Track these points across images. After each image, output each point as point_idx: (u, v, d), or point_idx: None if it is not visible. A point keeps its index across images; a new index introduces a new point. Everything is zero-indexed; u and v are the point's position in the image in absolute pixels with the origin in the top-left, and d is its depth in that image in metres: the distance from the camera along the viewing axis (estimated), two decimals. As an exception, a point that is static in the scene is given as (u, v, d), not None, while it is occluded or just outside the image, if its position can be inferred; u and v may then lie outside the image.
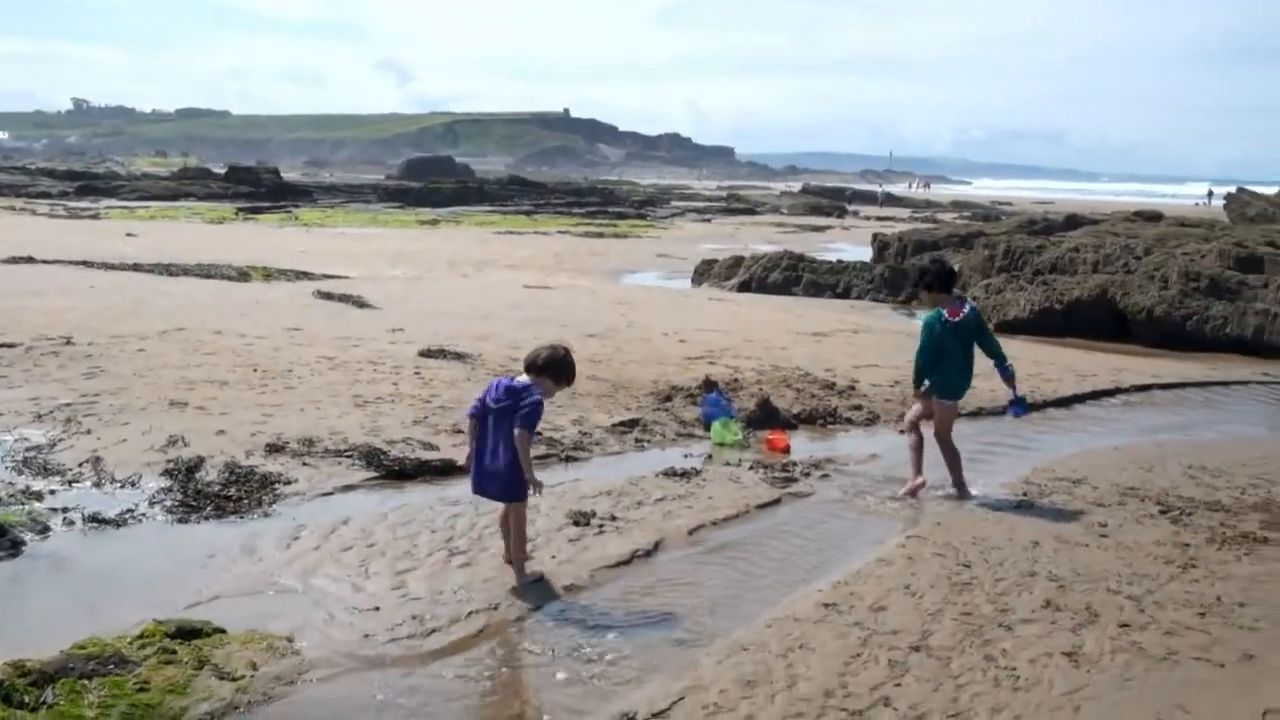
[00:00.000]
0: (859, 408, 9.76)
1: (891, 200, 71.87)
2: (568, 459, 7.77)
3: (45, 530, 5.73)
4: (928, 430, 7.32)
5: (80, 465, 6.84)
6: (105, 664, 4.19)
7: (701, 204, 64.19)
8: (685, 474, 7.41)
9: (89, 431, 7.56)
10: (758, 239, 35.36)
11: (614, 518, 6.39)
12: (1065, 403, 10.77)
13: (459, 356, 11.01)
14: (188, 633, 4.50)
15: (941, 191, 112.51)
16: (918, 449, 7.32)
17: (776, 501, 6.99)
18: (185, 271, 18.13)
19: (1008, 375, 7.34)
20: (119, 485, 6.56)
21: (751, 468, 7.72)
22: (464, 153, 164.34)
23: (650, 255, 28.62)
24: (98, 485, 6.54)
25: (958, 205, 69.06)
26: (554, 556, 5.76)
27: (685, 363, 11.45)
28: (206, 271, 18.28)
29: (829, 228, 44.21)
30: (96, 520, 5.90)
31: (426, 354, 11.01)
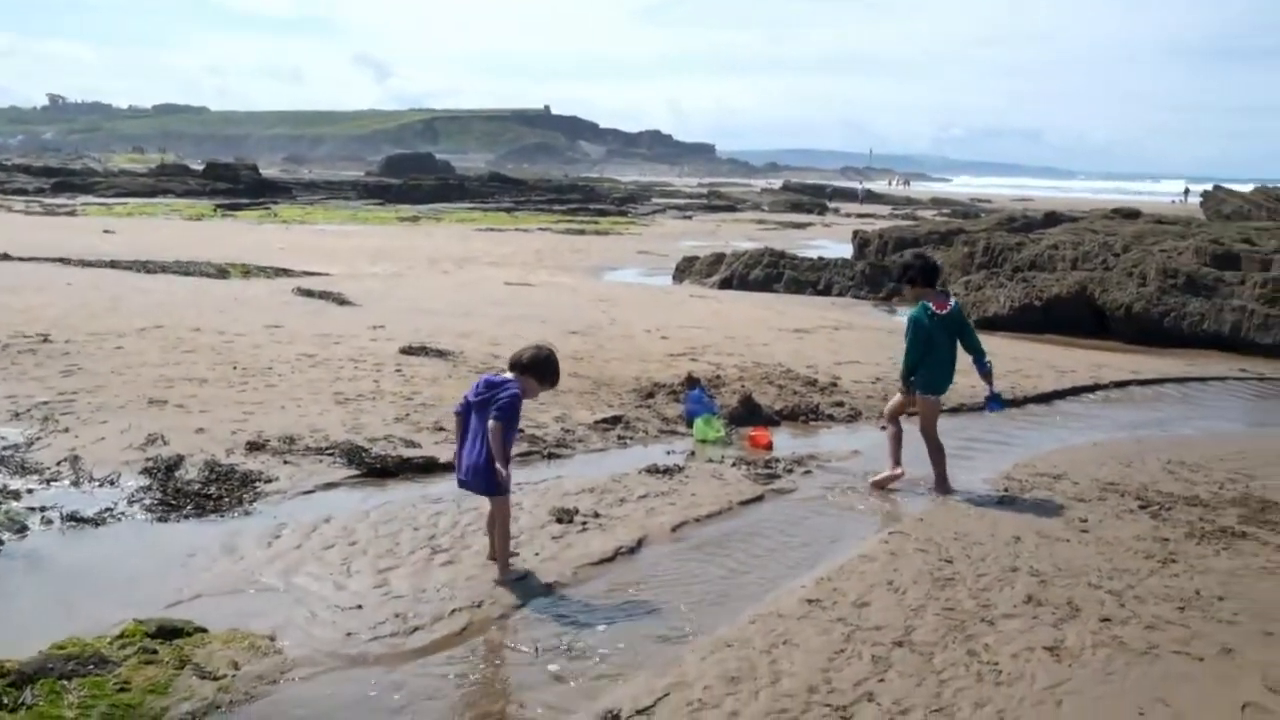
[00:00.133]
0: (841, 404, 9.79)
1: (872, 197, 72.17)
2: (550, 456, 7.74)
3: (23, 529, 5.66)
4: (909, 424, 7.33)
5: (58, 464, 6.77)
6: (85, 664, 4.15)
7: (682, 201, 64.22)
8: (668, 471, 7.41)
9: (67, 430, 7.48)
10: (739, 236, 35.42)
11: (597, 515, 6.38)
12: (1045, 399, 10.84)
13: (440, 354, 10.97)
14: (168, 632, 4.45)
15: (921, 189, 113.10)
16: (897, 439, 7.33)
17: (759, 498, 6.99)
18: (163, 268, 17.99)
19: (985, 371, 7.33)
20: (98, 484, 6.49)
21: (734, 464, 7.72)
22: (444, 149, 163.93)
23: (631, 252, 28.60)
24: (76, 484, 6.47)
25: (938, 202, 69.31)
26: (537, 554, 5.74)
27: (667, 360, 11.45)
28: (185, 269, 18.14)
29: (810, 225, 44.33)
30: (75, 519, 5.84)
31: (408, 351, 10.97)
